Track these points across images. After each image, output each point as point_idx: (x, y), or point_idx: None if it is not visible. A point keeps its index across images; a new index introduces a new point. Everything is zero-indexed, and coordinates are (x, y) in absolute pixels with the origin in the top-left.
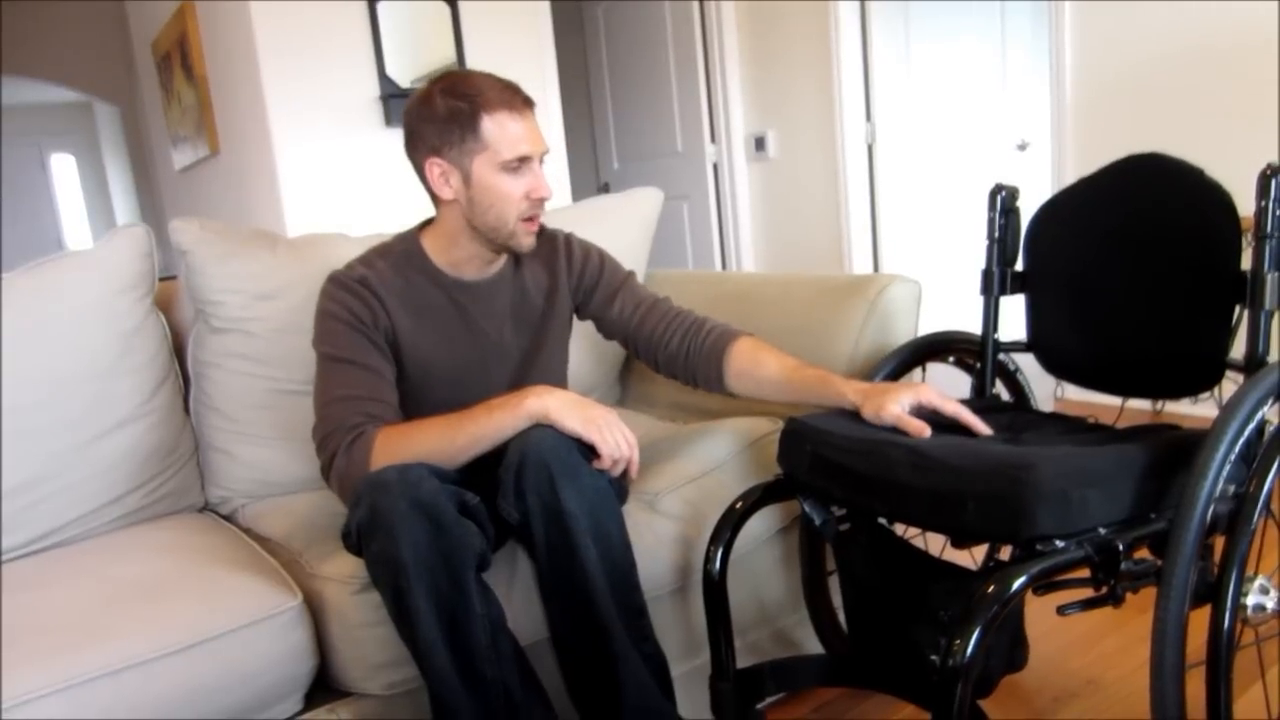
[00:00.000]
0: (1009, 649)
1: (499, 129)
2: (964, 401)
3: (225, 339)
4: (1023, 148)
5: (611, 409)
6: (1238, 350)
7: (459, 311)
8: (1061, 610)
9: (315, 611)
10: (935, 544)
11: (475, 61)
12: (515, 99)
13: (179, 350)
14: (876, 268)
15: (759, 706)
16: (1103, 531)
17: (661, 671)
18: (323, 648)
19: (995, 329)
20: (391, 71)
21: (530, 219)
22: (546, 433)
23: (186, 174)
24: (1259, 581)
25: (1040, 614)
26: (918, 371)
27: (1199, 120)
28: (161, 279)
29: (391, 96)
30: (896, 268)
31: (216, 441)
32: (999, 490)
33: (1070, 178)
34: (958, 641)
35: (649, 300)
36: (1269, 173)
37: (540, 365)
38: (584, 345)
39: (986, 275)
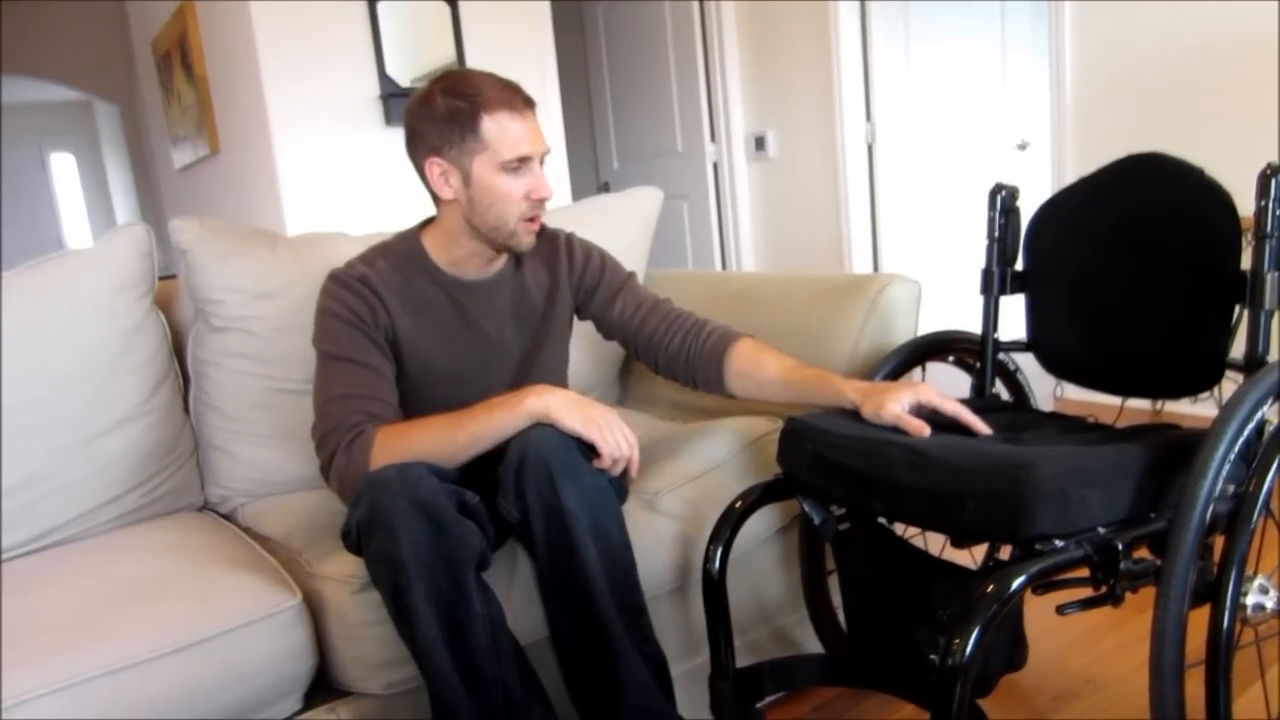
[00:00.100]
0: (1008, 648)
1: (499, 129)
2: (964, 401)
3: (225, 338)
4: (1023, 147)
5: (611, 408)
6: (1237, 350)
7: (459, 311)
8: (1061, 610)
9: (315, 611)
10: (935, 543)
11: (475, 61)
12: (516, 99)
13: (179, 349)
14: (876, 267)
15: (758, 706)
16: (1102, 531)
17: (661, 671)
18: (322, 647)
19: (995, 328)
20: (391, 71)
21: (531, 219)
22: (547, 432)
23: (186, 173)
24: (1258, 581)
25: (1039, 613)
26: (917, 371)
27: (1199, 120)
28: (161, 278)
29: (391, 96)
30: (896, 267)
31: (216, 440)
32: (999, 490)
33: (1070, 177)
34: (957, 641)
35: (650, 301)
36: (1269, 172)
37: (540, 364)
38: (584, 345)
39: (986, 275)
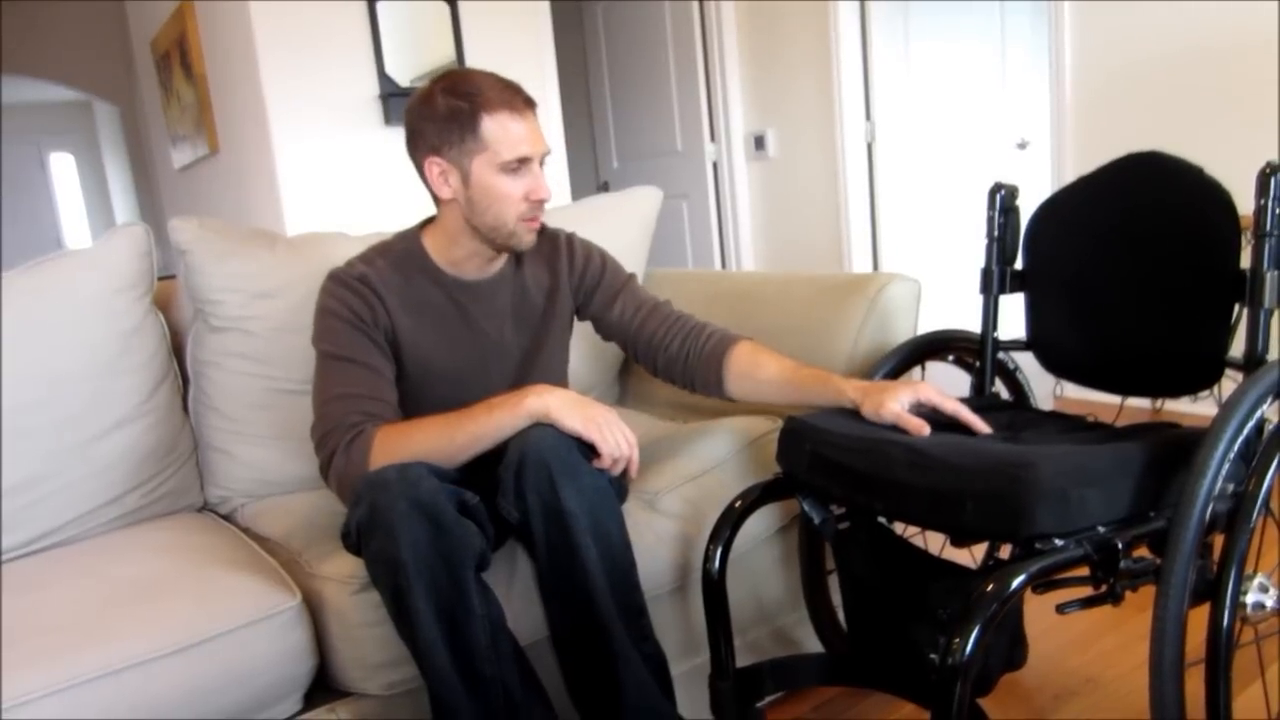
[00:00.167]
0: (1008, 647)
1: (499, 129)
2: (963, 400)
3: (224, 338)
4: (1022, 146)
5: (611, 408)
6: (1237, 348)
7: (459, 310)
8: (1060, 609)
9: (314, 611)
10: (935, 542)
11: (475, 60)
12: (516, 99)
13: (178, 349)
14: (876, 266)
15: (758, 705)
16: (1102, 530)
17: (661, 671)
18: (322, 648)
19: (995, 327)
20: (391, 70)
21: (531, 219)
22: (546, 432)
23: (186, 173)
24: (1258, 579)
25: (1039, 612)
26: (917, 370)
27: (1199, 119)
28: (160, 278)
29: (391, 95)
30: (896, 266)
31: (215, 441)
32: (998, 489)
33: (1070, 176)
34: (957, 640)
35: (650, 303)
36: (1268, 171)
37: (540, 364)
38: (584, 345)
39: (986, 274)
